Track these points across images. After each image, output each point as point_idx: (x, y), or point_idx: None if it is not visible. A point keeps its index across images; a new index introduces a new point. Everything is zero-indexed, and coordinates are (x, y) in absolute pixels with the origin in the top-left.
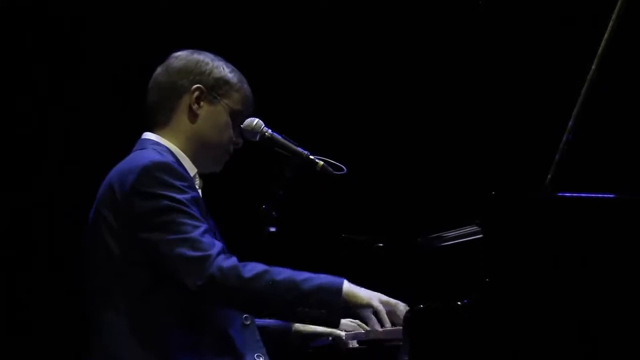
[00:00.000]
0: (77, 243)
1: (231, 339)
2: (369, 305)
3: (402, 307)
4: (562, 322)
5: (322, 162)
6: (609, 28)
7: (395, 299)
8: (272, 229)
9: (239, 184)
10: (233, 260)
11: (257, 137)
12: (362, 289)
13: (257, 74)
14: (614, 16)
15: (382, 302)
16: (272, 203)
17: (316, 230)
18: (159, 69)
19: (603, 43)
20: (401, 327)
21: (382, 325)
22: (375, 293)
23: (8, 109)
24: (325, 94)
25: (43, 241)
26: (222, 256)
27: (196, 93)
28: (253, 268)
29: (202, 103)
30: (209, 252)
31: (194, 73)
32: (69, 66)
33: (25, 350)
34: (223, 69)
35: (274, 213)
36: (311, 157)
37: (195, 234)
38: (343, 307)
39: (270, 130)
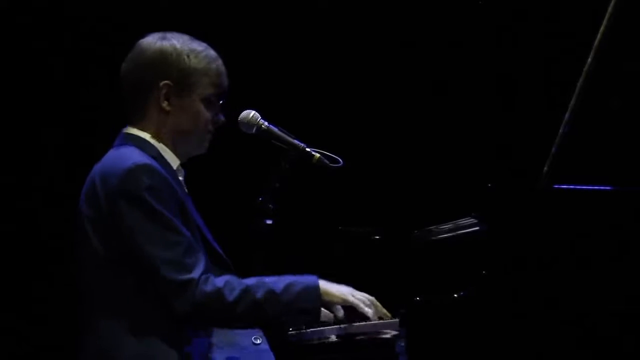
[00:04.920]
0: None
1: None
2: (343, 302)
3: (377, 304)
4: (558, 314)
5: (318, 155)
6: (605, 20)
7: (392, 291)
8: (269, 222)
9: (236, 176)
10: (213, 283)
11: (254, 130)
12: (335, 285)
13: (254, 67)
14: (610, 9)
15: (355, 297)
16: (269, 195)
17: (313, 223)
18: (125, 62)
19: (599, 35)
20: (381, 321)
21: (356, 319)
22: (348, 289)
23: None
24: (321, 86)
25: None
26: (203, 278)
27: (164, 90)
28: (233, 288)
29: (171, 98)
30: (192, 276)
31: (159, 68)
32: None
33: (23, 345)
34: (188, 57)
35: (270, 205)
36: (307, 149)
37: (178, 252)
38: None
39: (266, 123)
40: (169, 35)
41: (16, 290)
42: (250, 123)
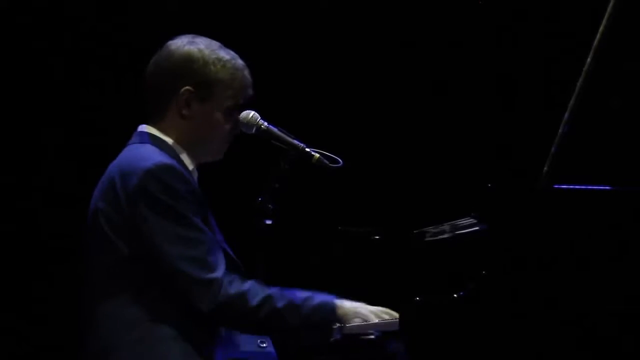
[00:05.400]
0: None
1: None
2: (356, 316)
3: (391, 313)
4: (558, 314)
5: (318, 155)
6: (604, 20)
7: (392, 291)
8: (268, 222)
9: (235, 176)
10: (238, 286)
11: (253, 130)
12: (350, 304)
13: (253, 66)
14: (609, 8)
15: (370, 312)
16: (268, 196)
17: (312, 223)
18: (152, 62)
19: (599, 35)
20: (380, 321)
21: None
22: (363, 305)
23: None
24: (321, 86)
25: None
26: (227, 280)
27: (185, 95)
28: (257, 294)
29: (192, 105)
30: (216, 275)
31: (183, 74)
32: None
33: (23, 345)
34: (213, 66)
35: (270, 206)
36: (307, 149)
37: (201, 251)
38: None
39: (266, 123)
40: (198, 40)
41: (16, 290)
42: (249, 123)
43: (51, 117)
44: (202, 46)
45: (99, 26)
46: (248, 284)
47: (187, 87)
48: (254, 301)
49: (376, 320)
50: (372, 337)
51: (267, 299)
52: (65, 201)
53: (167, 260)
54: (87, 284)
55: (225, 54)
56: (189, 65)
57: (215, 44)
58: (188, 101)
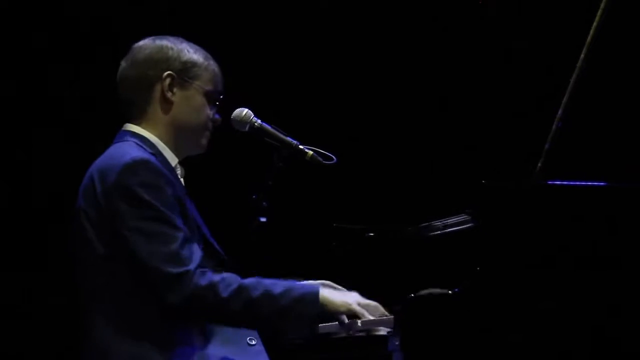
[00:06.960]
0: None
1: (221, 326)
2: (347, 311)
3: (381, 309)
4: (553, 310)
5: (311, 152)
6: (597, 17)
7: (387, 288)
8: (263, 219)
9: (229, 174)
10: (209, 277)
11: (247, 128)
12: (338, 293)
13: (247, 64)
14: (602, 5)
15: (361, 305)
16: (262, 193)
17: (307, 220)
18: (123, 63)
19: (592, 31)
20: (386, 317)
21: None
22: (352, 295)
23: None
24: (315, 83)
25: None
26: (198, 272)
27: (167, 80)
28: (229, 284)
29: (174, 89)
30: (187, 268)
31: (161, 61)
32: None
33: (21, 347)
34: (188, 51)
35: (264, 203)
36: (301, 146)
37: (175, 246)
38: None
39: (259, 121)
40: (163, 37)
41: (16, 290)
42: (243, 121)
43: (50, 117)
44: (170, 38)
45: (99, 26)
46: (221, 276)
47: (168, 72)
48: (226, 292)
49: (368, 315)
50: (383, 333)
51: (241, 289)
52: (64, 201)
53: (139, 256)
54: (79, 285)
55: (193, 45)
56: (165, 52)
57: (180, 38)
58: (171, 86)
